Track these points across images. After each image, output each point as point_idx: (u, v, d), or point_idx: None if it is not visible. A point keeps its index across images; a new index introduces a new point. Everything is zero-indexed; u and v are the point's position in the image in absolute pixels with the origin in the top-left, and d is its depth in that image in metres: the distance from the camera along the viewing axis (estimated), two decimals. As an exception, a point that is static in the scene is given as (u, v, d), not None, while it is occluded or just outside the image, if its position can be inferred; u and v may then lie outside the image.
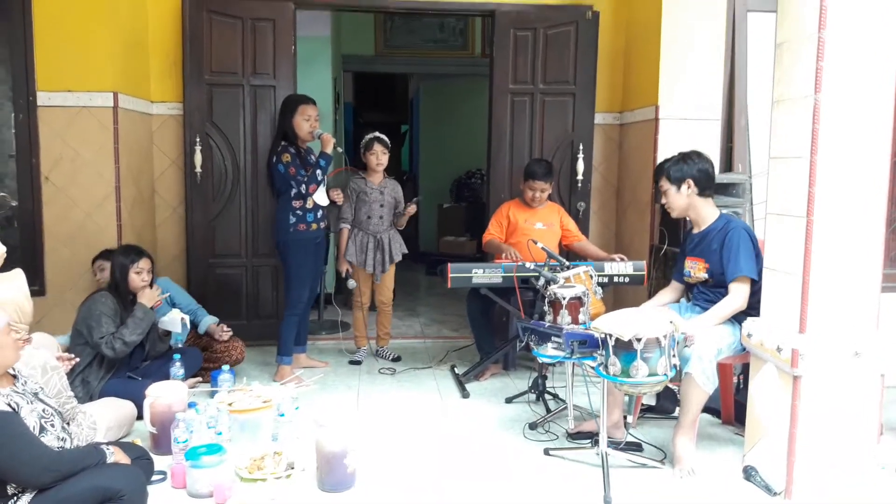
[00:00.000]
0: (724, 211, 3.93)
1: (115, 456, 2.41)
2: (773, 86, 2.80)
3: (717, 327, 3.04)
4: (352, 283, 4.62)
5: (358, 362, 4.59)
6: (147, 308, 3.59)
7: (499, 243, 4.32)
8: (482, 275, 3.87)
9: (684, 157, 3.23)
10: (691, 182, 3.19)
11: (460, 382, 4.12)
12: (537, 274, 3.42)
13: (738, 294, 3.06)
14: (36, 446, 2.18)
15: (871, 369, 2.65)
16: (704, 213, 3.25)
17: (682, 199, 3.23)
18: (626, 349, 2.63)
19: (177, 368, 3.60)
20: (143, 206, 4.62)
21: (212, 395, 3.64)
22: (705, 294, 3.27)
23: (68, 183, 4.18)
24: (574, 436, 3.37)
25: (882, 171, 2.59)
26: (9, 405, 2.17)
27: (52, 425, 2.36)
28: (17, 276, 2.91)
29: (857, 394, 2.67)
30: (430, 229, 9.15)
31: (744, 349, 3.05)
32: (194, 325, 4.17)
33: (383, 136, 4.57)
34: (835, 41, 2.52)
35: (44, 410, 2.37)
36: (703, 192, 3.21)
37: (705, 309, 3.17)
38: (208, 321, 4.20)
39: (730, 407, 3.53)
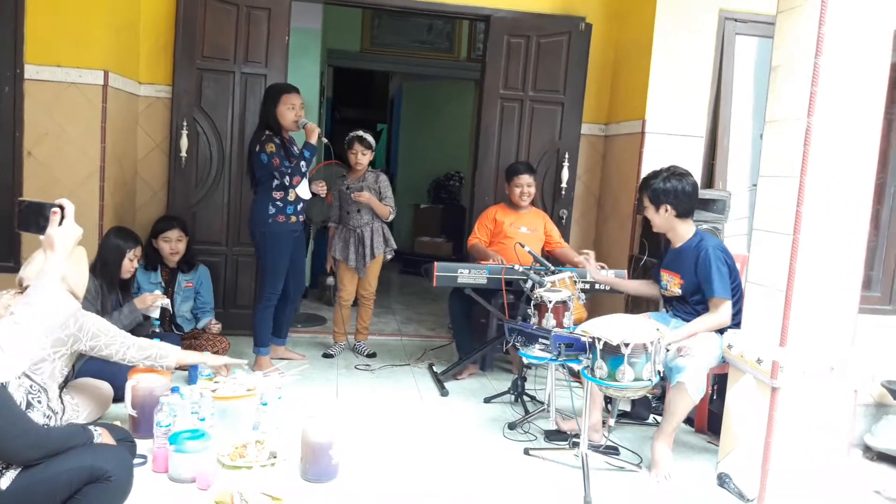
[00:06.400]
0: (705, 227, 4.08)
1: (103, 437, 2.39)
2: (767, 107, 2.89)
3: (709, 341, 3.13)
4: (329, 280, 4.62)
5: (330, 356, 4.59)
6: (136, 310, 3.60)
7: (484, 248, 4.34)
8: (468, 275, 3.91)
9: (667, 178, 3.32)
10: (668, 207, 3.32)
11: (439, 381, 4.15)
12: (525, 277, 3.47)
13: (720, 312, 3.19)
14: (24, 421, 2.15)
15: (845, 384, 2.76)
16: (681, 231, 3.39)
17: (660, 219, 3.38)
18: (613, 353, 2.69)
19: (155, 353, 3.56)
20: (124, 188, 4.55)
21: (189, 380, 3.63)
22: (685, 307, 3.38)
23: (52, 159, 4.09)
24: (550, 435, 3.43)
25: (866, 193, 2.70)
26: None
27: (39, 401, 2.34)
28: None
29: (830, 407, 2.77)
30: (406, 229, 9.15)
31: (724, 360, 3.16)
32: (195, 319, 4.32)
33: (365, 136, 4.52)
34: (829, 67, 2.61)
35: (31, 386, 2.35)
36: (680, 215, 3.34)
37: (688, 321, 3.27)
38: (209, 318, 4.30)
39: (703, 416, 3.63)
